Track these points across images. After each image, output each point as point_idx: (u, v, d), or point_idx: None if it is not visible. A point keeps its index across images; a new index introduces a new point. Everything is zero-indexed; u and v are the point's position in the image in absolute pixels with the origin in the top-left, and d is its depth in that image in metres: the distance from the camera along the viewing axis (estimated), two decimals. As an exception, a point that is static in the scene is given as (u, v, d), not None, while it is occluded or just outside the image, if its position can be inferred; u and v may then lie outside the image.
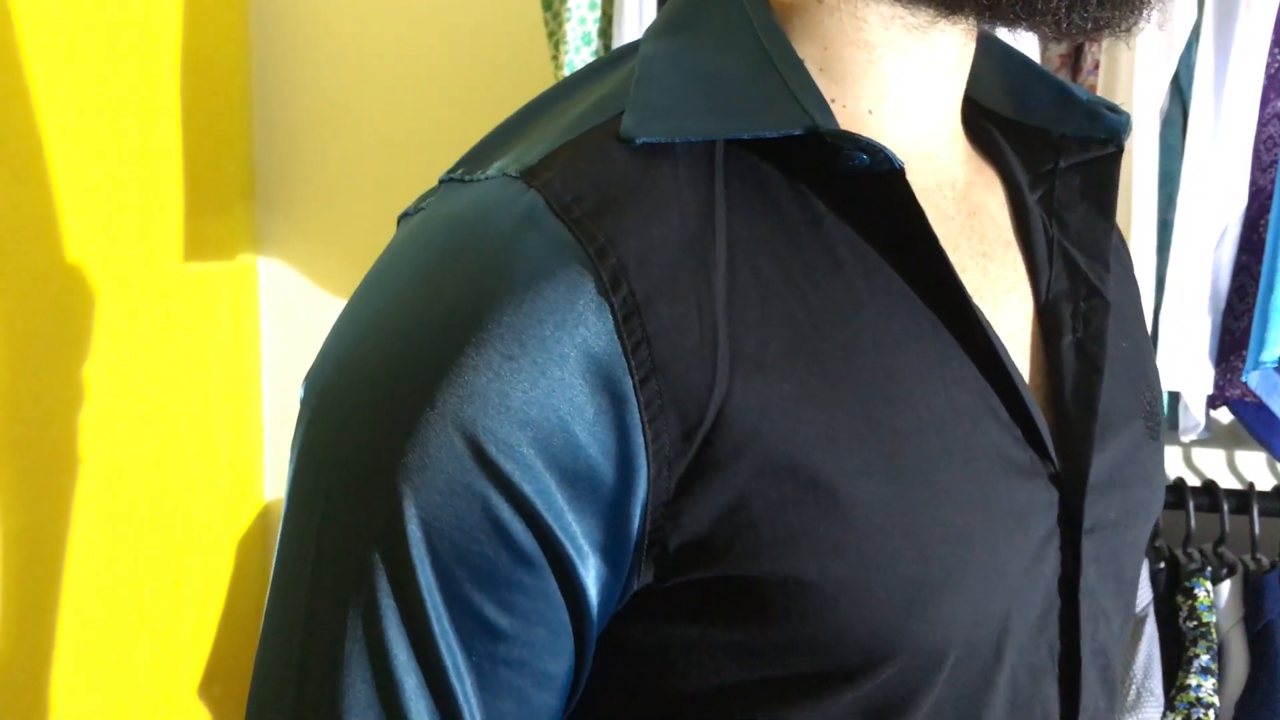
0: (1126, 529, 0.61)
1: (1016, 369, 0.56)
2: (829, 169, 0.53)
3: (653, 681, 0.53)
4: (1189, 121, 1.13)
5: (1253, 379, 1.16)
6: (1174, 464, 1.53)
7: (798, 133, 0.51)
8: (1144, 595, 1.37)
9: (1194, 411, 1.23)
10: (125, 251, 1.54)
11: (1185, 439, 1.31)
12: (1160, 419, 0.67)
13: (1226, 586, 1.37)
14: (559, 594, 0.49)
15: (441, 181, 0.55)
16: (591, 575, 0.49)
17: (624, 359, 0.47)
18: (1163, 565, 1.39)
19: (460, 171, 0.54)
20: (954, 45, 0.57)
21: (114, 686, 1.55)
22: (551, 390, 0.47)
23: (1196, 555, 1.39)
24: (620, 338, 0.47)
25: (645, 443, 0.48)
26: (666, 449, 0.48)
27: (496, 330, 0.47)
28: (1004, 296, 0.61)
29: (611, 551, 0.49)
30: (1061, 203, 0.64)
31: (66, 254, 1.46)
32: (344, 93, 1.74)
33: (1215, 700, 1.27)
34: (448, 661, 0.48)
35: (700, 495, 0.48)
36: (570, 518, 0.48)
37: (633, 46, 0.59)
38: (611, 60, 0.59)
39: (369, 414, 0.48)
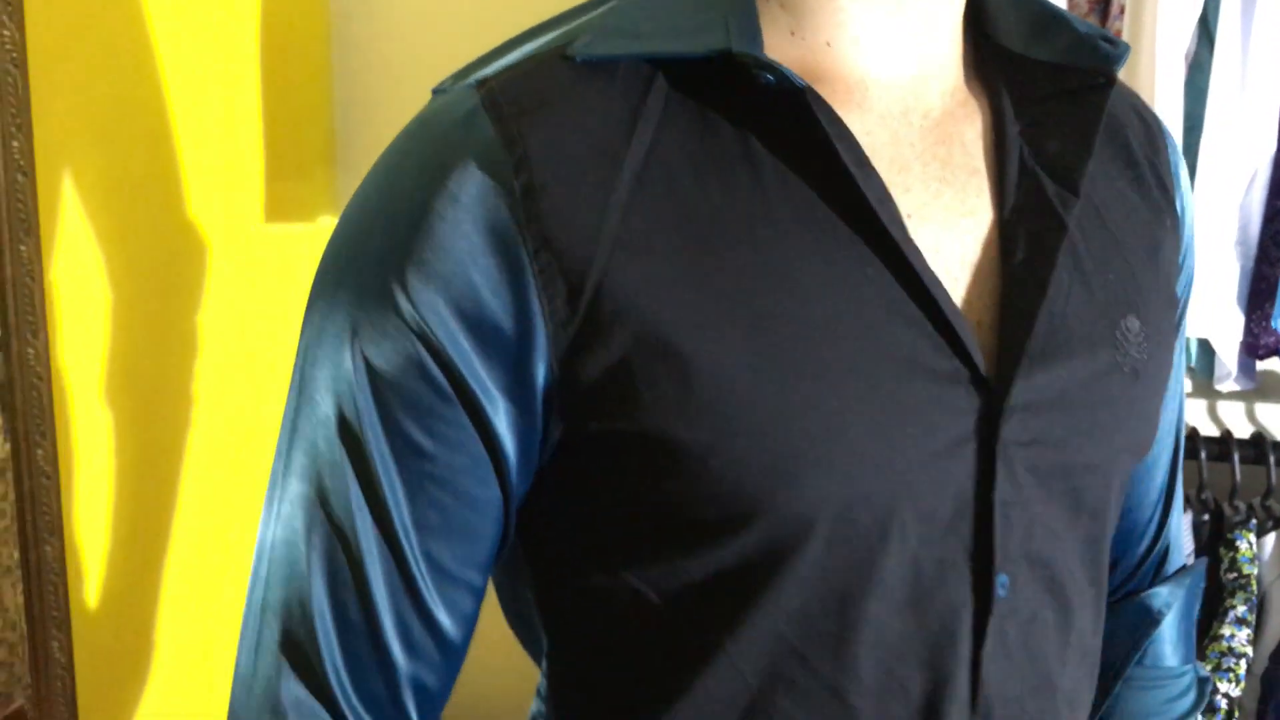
0: (1080, 450, 0.63)
1: (935, 279, 0.59)
2: (753, 89, 0.57)
3: (573, 527, 0.62)
4: (1214, 63, 1.12)
5: None
6: (1231, 417, 1.51)
7: (708, 53, 0.57)
8: (1183, 547, 1.37)
9: (1224, 359, 1.22)
10: (212, 212, 1.64)
11: (1221, 388, 1.29)
12: (1142, 358, 0.65)
13: (1271, 540, 1.35)
14: (473, 427, 0.58)
15: (434, 92, 0.63)
16: (501, 415, 0.58)
17: (520, 234, 0.56)
18: (1207, 517, 1.38)
19: (447, 83, 0.62)
20: None
21: (214, 613, 1.65)
22: (462, 258, 0.56)
23: (1242, 508, 1.38)
24: (517, 215, 0.56)
25: (540, 305, 0.56)
26: (559, 311, 0.56)
27: (424, 208, 0.57)
28: (958, 219, 0.63)
29: (519, 397, 0.58)
30: (1044, 130, 0.65)
31: (168, 213, 1.56)
32: (421, 58, 1.82)
33: (1248, 650, 1.26)
34: (380, 471, 0.58)
35: (590, 354, 0.57)
36: (477, 364, 0.57)
37: None
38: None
39: (340, 282, 0.60)
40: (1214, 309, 1.16)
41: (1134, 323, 0.66)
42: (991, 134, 0.66)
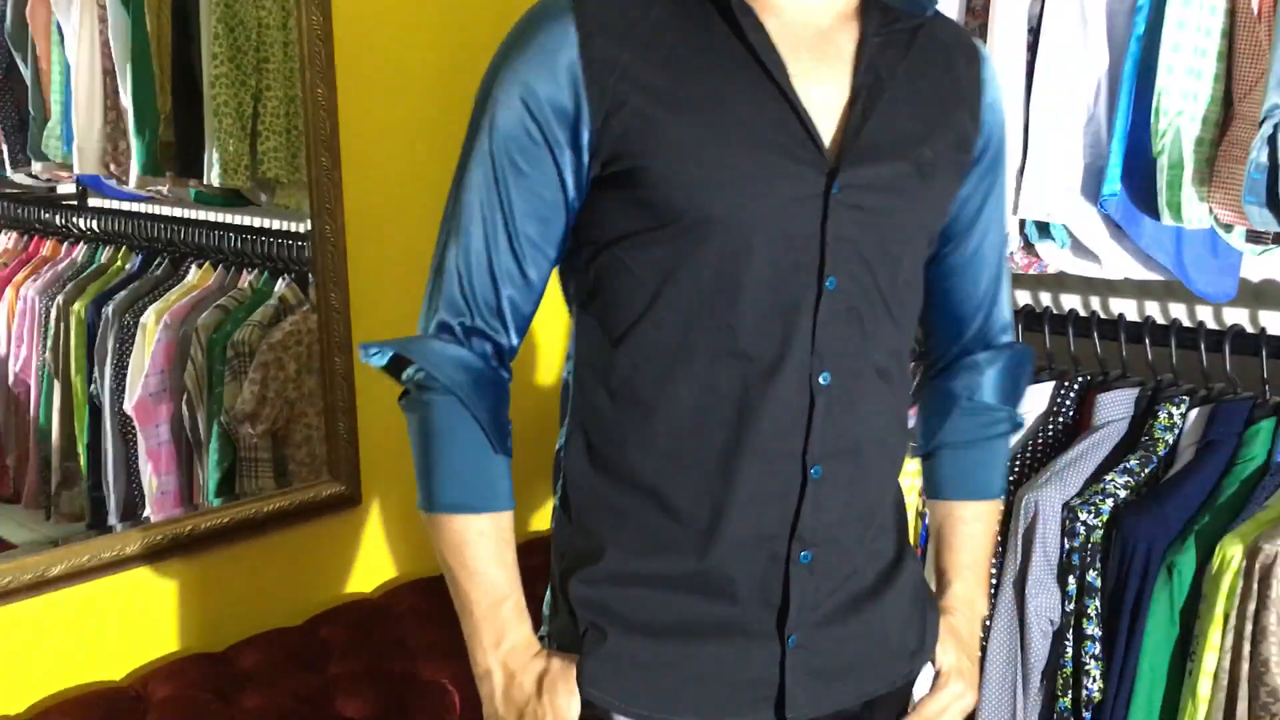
0: (886, 215, 1.08)
1: (802, 106, 1.04)
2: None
3: (587, 233, 1.11)
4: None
5: (1110, 207, 1.37)
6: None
7: None
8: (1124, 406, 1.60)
9: (1088, 243, 1.46)
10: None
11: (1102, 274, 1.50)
12: (930, 172, 1.10)
13: (1194, 414, 1.55)
14: (551, 163, 1.07)
15: None
16: (567, 160, 1.07)
17: (580, 58, 1.04)
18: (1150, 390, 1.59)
19: None
20: None
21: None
22: (551, 71, 1.04)
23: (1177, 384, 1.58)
24: (580, 50, 1.04)
25: (588, 98, 1.04)
26: (594, 101, 1.04)
27: (537, 44, 1.06)
28: (824, 83, 1.08)
29: (575, 148, 1.06)
30: (887, 43, 1.10)
31: (441, 139, 2.19)
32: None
33: (1120, 494, 1.48)
34: (502, 182, 1.09)
35: (610, 125, 1.04)
36: (556, 129, 1.06)
37: None
38: None
39: (493, 81, 1.09)
40: (1065, 197, 1.42)
41: (926, 151, 1.09)
42: (857, 41, 1.10)
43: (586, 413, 1.14)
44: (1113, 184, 1.36)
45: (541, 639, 1.16)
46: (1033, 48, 1.40)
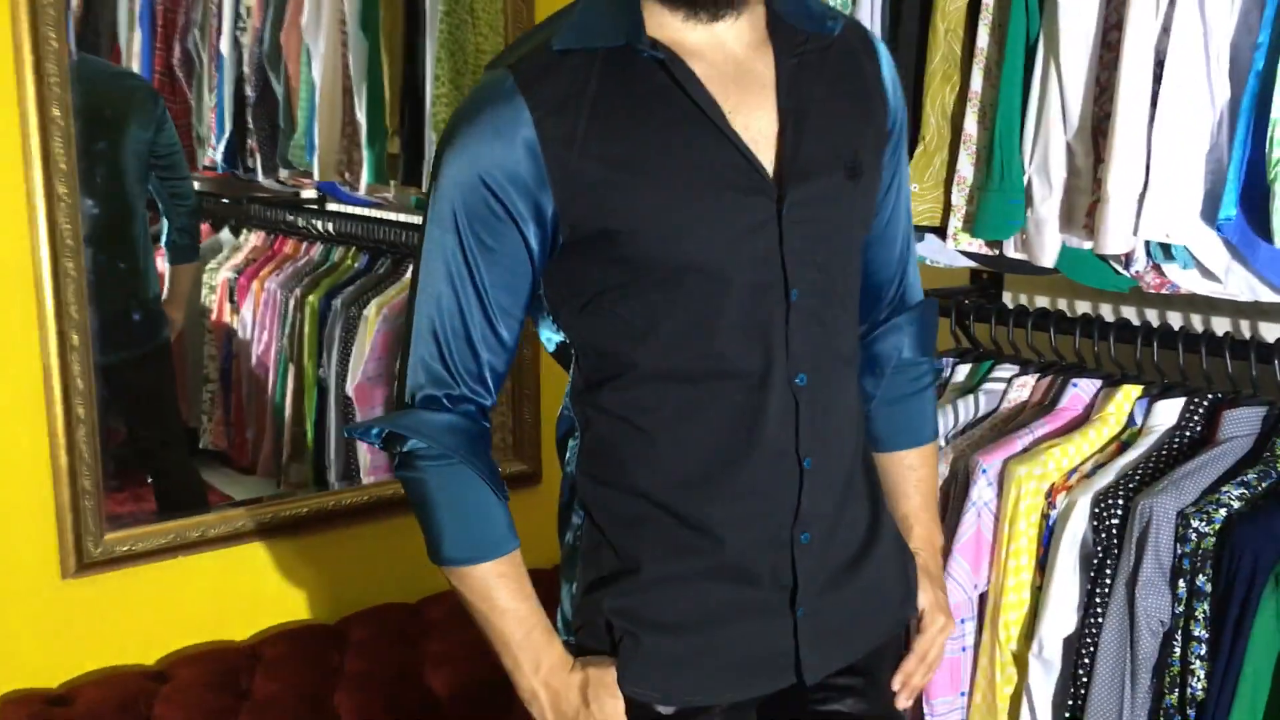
0: (828, 223, 1.20)
1: (739, 138, 1.14)
2: (643, 57, 1.14)
3: (568, 290, 1.21)
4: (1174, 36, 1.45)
5: (1227, 230, 1.44)
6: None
7: (621, 44, 1.13)
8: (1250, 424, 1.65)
9: (1207, 263, 1.53)
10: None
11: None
12: (859, 172, 1.22)
13: (1324, 433, 1.59)
14: (517, 235, 1.14)
15: (486, 68, 1.23)
16: (531, 231, 1.14)
17: (536, 136, 1.11)
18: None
19: (495, 61, 1.21)
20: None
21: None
22: (508, 153, 1.11)
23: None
24: (536, 129, 1.11)
25: (550, 172, 1.11)
26: (558, 176, 1.12)
27: (490, 124, 1.12)
28: (755, 112, 1.18)
29: (539, 221, 1.14)
30: (802, 65, 1.20)
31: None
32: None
33: (1233, 504, 1.54)
34: (472, 258, 1.15)
35: (574, 197, 1.12)
36: (519, 204, 1.13)
37: None
38: (579, 2, 1.17)
39: (446, 159, 1.15)
40: (1185, 220, 1.50)
41: (854, 154, 1.22)
42: (773, 66, 1.20)
43: (592, 444, 1.24)
44: (1228, 209, 1.43)
45: (566, 643, 1.27)
46: (1158, 79, 1.49)
